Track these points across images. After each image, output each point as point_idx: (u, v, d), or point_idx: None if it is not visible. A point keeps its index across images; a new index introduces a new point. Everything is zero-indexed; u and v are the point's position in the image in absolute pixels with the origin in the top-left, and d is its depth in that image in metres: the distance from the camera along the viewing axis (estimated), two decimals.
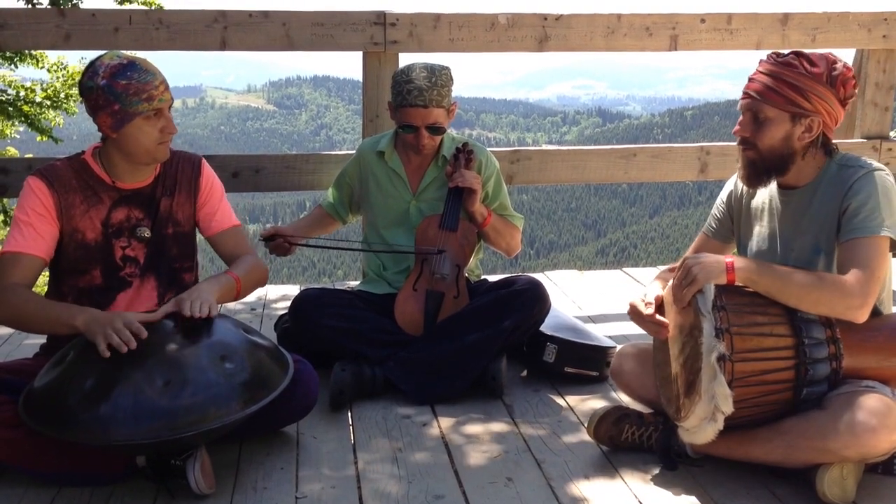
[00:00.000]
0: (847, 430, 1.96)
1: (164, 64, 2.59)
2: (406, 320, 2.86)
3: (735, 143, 2.26)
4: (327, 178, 3.53)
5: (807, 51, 2.17)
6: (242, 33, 3.48)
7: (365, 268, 3.24)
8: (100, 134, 2.33)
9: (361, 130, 3.69)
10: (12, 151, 10.83)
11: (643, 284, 3.95)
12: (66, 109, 10.77)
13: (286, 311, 2.92)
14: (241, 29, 3.47)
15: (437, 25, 3.59)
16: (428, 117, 2.83)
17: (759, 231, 2.33)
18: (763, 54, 2.23)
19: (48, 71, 10.67)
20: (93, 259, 2.35)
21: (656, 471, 2.26)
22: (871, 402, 1.98)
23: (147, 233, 2.40)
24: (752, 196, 2.35)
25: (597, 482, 2.22)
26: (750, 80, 2.20)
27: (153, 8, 9.60)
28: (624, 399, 2.66)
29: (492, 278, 3.14)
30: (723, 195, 2.47)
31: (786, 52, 2.18)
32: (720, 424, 2.00)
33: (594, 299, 3.93)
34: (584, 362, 2.87)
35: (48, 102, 10.57)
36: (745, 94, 2.20)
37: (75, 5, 9.81)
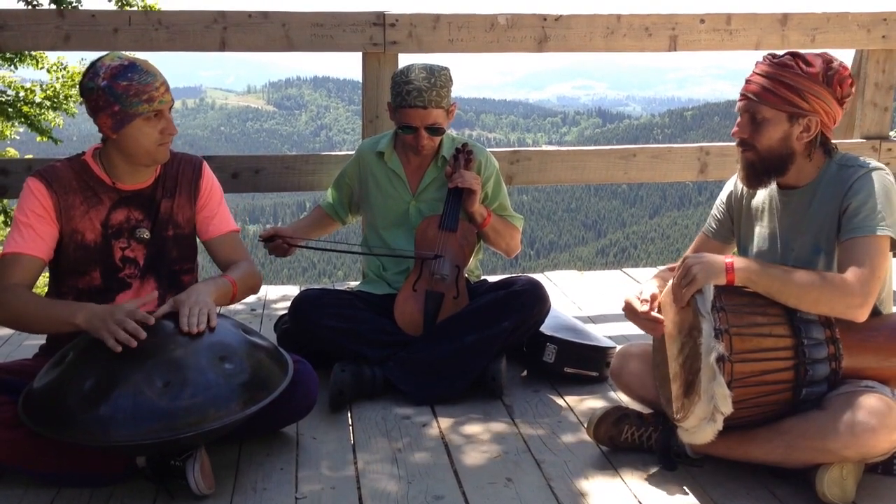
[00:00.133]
0: (847, 430, 1.96)
1: (164, 65, 2.59)
2: (406, 321, 2.86)
3: (735, 144, 2.26)
4: (327, 178, 3.53)
5: (803, 51, 2.18)
6: (242, 34, 3.48)
7: (365, 268, 3.24)
8: (100, 135, 2.33)
9: (361, 131, 3.70)
10: (12, 152, 10.84)
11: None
12: (65, 110, 10.79)
13: (286, 311, 2.92)
14: (240, 29, 3.47)
15: (436, 26, 3.59)
16: (427, 118, 2.83)
17: (759, 231, 2.34)
18: (763, 55, 2.23)
19: (48, 72, 10.69)
20: (92, 260, 2.36)
21: (656, 471, 2.26)
22: (871, 403, 1.98)
23: (146, 234, 2.40)
24: (752, 196, 2.36)
25: (597, 482, 2.22)
26: (747, 81, 2.20)
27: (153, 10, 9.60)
28: (623, 399, 2.66)
29: (492, 279, 3.14)
30: (723, 195, 2.47)
31: (782, 52, 2.18)
32: (719, 425, 2.00)
33: (594, 300, 3.93)
34: (583, 362, 2.87)
35: (48, 103, 10.58)
36: (743, 96, 2.20)
37: (75, 7, 9.82)
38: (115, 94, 2.22)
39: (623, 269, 4.53)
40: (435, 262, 2.88)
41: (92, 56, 2.43)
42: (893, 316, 2.20)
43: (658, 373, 2.31)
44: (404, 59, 3.40)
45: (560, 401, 2.76)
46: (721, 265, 2.07)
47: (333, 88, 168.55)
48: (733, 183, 2.43)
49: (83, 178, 2.35)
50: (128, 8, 10.18)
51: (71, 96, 10.59)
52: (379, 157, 3.03)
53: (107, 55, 2.28)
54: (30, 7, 9.63)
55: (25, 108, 10.42)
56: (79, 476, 2.15)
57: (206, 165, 2.54)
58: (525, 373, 3.00)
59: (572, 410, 2.69)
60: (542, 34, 3.68)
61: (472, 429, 2.55)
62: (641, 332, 2.32)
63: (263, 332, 2.99)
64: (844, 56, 2.20)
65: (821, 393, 2.07)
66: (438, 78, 2.82)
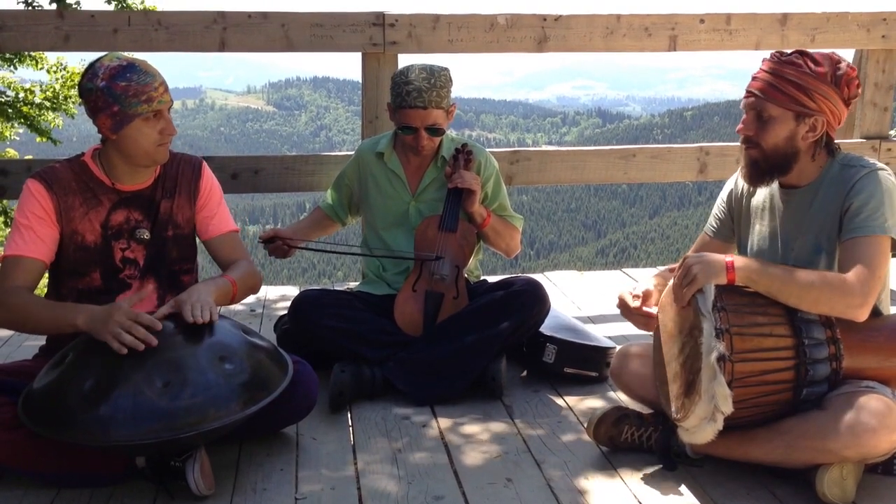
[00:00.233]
0: (847, 430, 1.96)
1: (164, 65, 2.59)
2: (405, 321, 2.86)
3: (735, 143, 2.27)
4: (327, 179, 3.53)
5: (810, 51, 2.17)
6: (241, 34, 3.48)
7: (364, 269, 3.24)
8: (99, 136, 2.33)
9: (361, 131, 3.70)
10: (11, 153, 10.84)
11: None
12: (65, 111, 10.78)
13: (286, 312, 2.92)
14: (240, 30, 3.47)
15: (436, 26, 3.59)
16: (427, 118, 2.83)
17: (760, 230, 2.33)
18: (762, 55, 2.22)
19: (47, 72, 10.69)
20: (92, 261, 2.35)
21: (656, 471, 2.26)
22: (872, 403, 1.97)
23: (146, 234, 2.40)
24: (753, 195, 2.35)
25: (596, 482, 2.22)
26: (753, 78, 2.19)
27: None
28: (623, 399, 2.66)
29: (491, 279, 3.14)
30: (723, 194, 2.46)
31: (789, 51, 2.17)
32: (720, 424, 2.00)
33: (594, 300, 3.93)
34: (583, 363, 2.87)
35: (47, 104, 10.58)
36: (749, 93, 2.19)
37: (75, 7, 9.82)
38: (115, 95, 2.22)
39: (623, 270, 4.53)
40: (435, 263, 2.88)
41: (91, 57, 2.43)
42: (893, 316, 2.20)
43: (658, 372, 2.30)
44: (404, 60, 3.40)
45: (560, 401, 2.76)
46: (721, 264, 2.07)
47: (333, 89, 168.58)
48: (734, 181, 2.42)
49: (83, 179, 2.35)
50: (128, 7, 10.18)
51: (70, 97, 10.59)
52: (378, 157, 3.03)
53: (106, 56, 2.28)
54: (29, 8, 9.63)
55: (25, 109, 10.42)
56: (79, 476, 2.14)
57: (205, 166, 2.54)
58: (525, 373, 3.00)
59: (572, 410, 2.69)
60: (541, 34, 3.68)
61: (472, 429, 2.55)
62: (642, 332, 2.32)
63: (263, 332, 2.99)
64: (844, 56, 2.19)
65: (821, 393, 2.06)
66: (438, 78, 2.82)
